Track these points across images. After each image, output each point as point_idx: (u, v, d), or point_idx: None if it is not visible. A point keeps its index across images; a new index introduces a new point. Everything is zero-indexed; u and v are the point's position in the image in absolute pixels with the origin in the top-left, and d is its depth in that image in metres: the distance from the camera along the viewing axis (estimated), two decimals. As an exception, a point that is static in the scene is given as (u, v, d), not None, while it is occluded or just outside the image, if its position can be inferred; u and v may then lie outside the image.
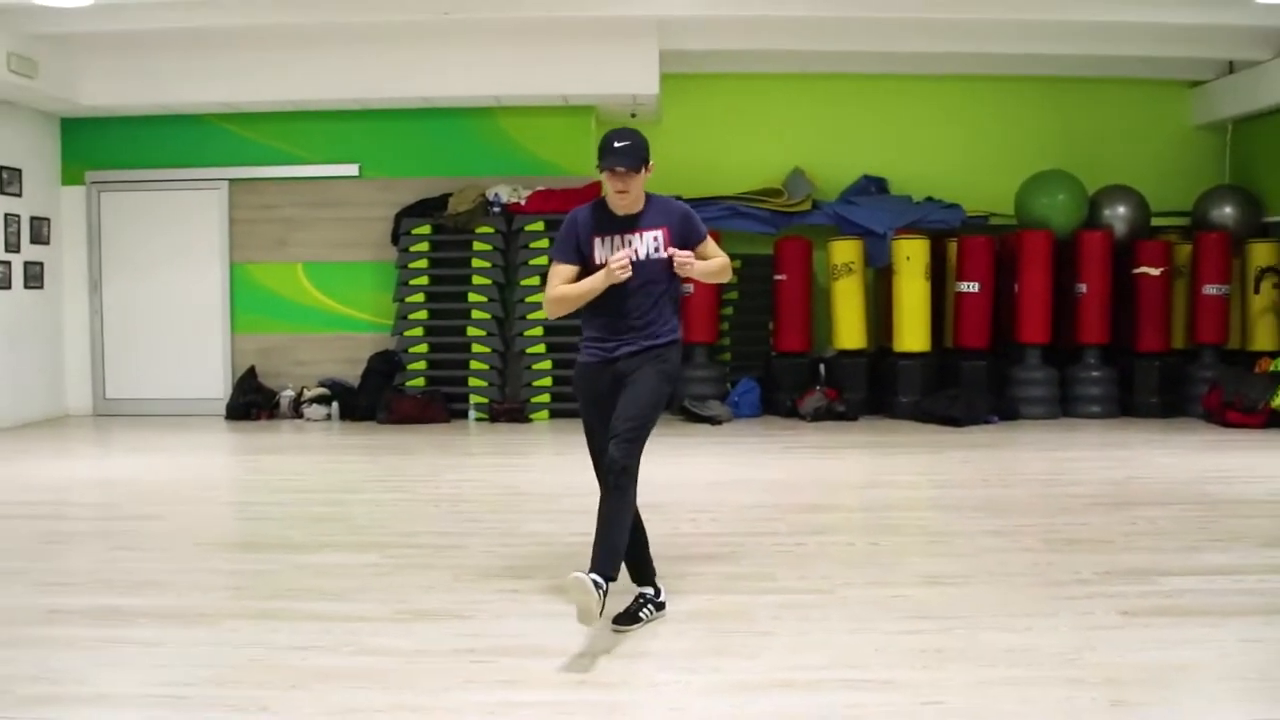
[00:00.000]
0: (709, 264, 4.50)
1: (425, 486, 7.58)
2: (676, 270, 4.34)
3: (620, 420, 4.25)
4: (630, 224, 4.43)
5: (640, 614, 4.44)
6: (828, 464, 8.65)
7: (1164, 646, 4.13)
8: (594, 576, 4.00)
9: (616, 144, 4.30)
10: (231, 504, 7.22)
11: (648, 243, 4.40)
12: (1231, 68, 11.90)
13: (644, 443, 4.32)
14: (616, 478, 4.20)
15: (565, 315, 4.55)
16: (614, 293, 4.35)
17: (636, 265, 4.33)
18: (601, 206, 4.46)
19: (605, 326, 4.45)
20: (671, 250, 4.36)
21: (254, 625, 4.45)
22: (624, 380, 4.37)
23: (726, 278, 4.69)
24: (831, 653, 4.11)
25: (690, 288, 9.97)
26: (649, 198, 4.48)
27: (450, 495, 7.27)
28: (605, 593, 4.02)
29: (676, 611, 4.56)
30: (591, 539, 4.21)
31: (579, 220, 4.48)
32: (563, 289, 4.41)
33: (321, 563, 5.46)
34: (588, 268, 4.42)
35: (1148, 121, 12.52)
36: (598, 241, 4.42)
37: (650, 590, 4.55)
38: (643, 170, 4.34)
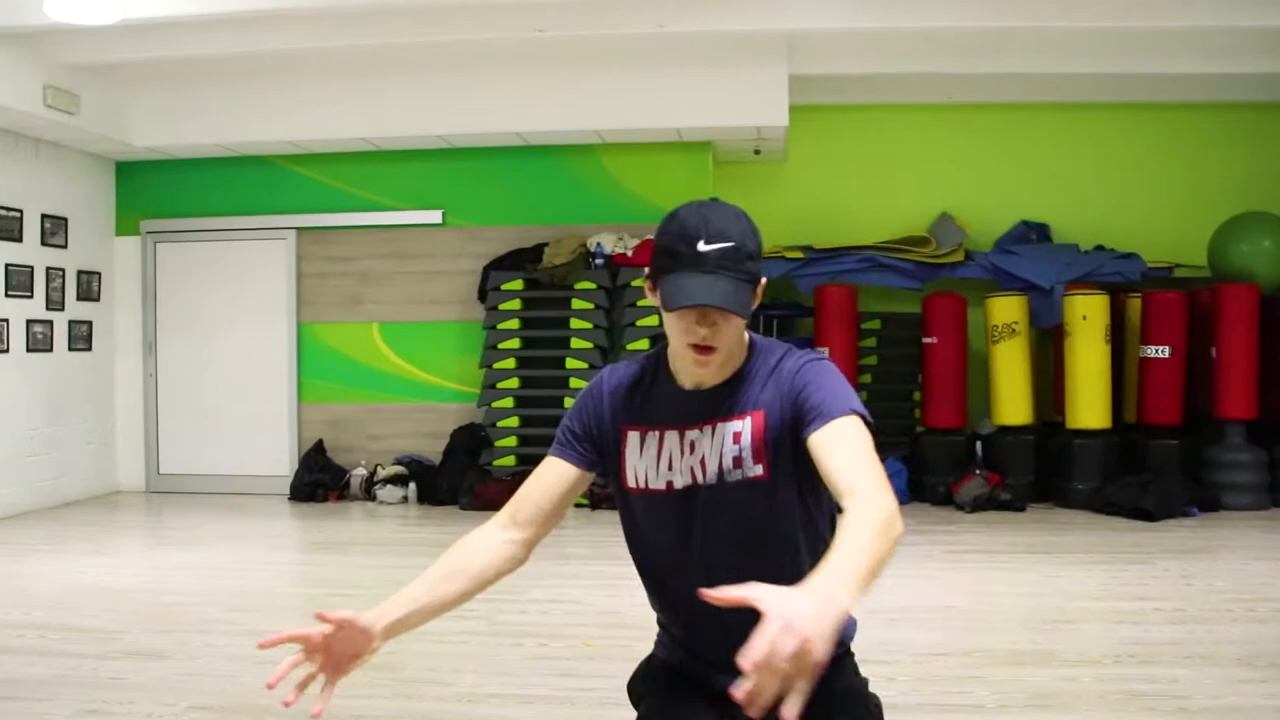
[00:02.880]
0: (851, 562, 1.74)
1: (505, 611, 5.95)
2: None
3: None
4: (695, 410, 2.24)
5: None
6: (1008, 577, 6.89)
7: None
8: None
9: (703, 244, 2.07)
10: (259, 636, 5.67)
11: (721, 449, 2.19)
12: None
13: None
14: None
15: None
16: (679, 580, 2.27)
17: (710, 493, 2.21)
18: (657, 367, 2.32)
19: (690, 634, 2.38)
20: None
21: None
22: None
23: (891, 547, 1.83)
24: None
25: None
26: (751, 351, 2.25)
27: (536, 627, 5.65)
28: None
29: None
30: None
31: (607, 387, 2.36)
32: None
33: (349, 753, 3.90)
34: (601, 478, 2.38)
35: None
36: (632, 437, 2.29)
37: None
38: (751, 300, 2.14)
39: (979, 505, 9.19)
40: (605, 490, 9.33)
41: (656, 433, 2.24)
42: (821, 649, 1.51)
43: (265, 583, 6.97)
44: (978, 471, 9.45)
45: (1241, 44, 9.02)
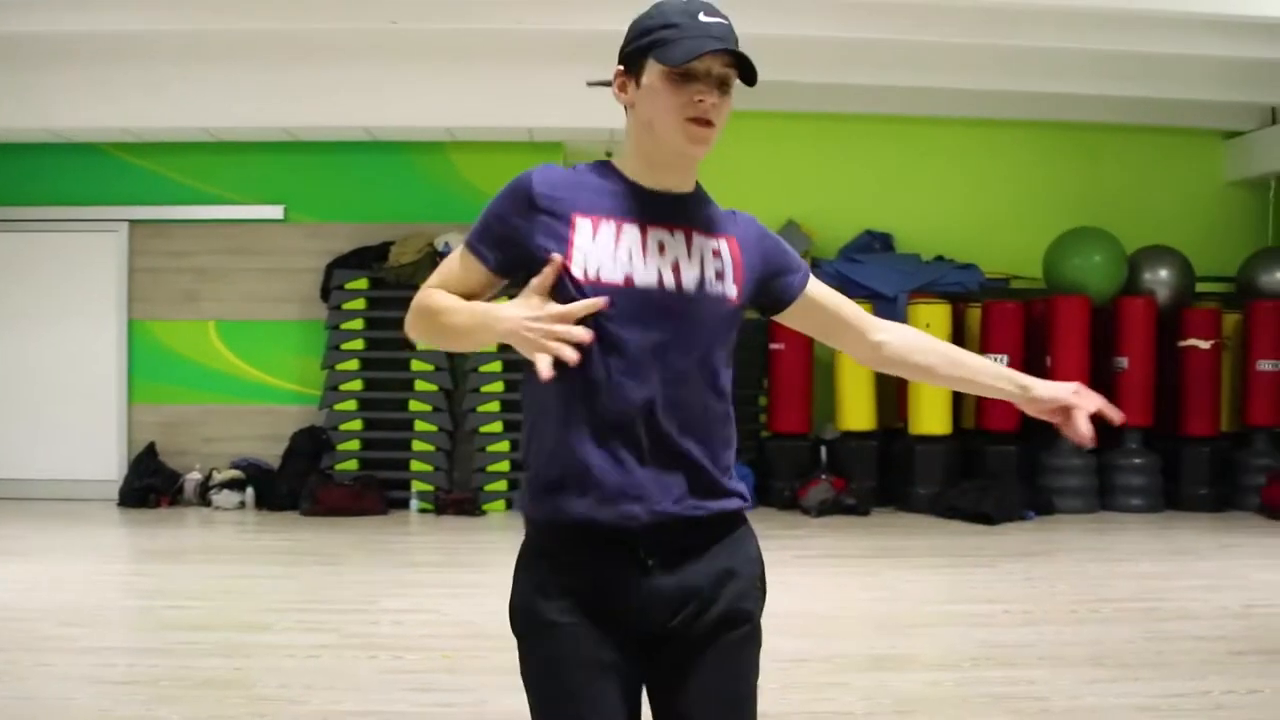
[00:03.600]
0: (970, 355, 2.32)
1: (356, 622, 5.77)
2: None
3: None
4: (674, 211, 2.10)
5: None
6: (859, 581, 6.98)
7: None
8: None
9: (704, 17, 2.01)
10: (93, 653, 5.33)
11: (698, 260, 2.08)
12: (1275, 117, 10.58)
13: None
14: None
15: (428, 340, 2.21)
16: (628, 372, 2.00)
17: (686, 302, 2.05)
18: (605, 170, 2.13)
19: (602, 458, 2.00)
20: None
21: None
22: (664, 621, 2.04)
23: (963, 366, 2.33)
24: None
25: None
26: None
27: (390, 640, 5.47)
28: None
29: None
30: None
31: (539, 181, 2.05)
32: (441, 300, 2.09)
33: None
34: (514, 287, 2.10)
35: (1183, 175, 11.17)
36: (583, 225, 2.03)
37: None
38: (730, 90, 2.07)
39: (824, 510, 9.31)
40: (451, 496, 9.20)
41: (612, 223, 2.03)
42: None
43: (97, 595, 6.59)
44: (823, 476, 9.57)
45: (1082, 65, 9.37)
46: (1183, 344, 9.95)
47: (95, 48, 8.79)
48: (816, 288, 2.28)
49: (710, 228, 2.12)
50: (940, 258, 10.60)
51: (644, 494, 1.99)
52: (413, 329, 2.18)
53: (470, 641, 5.39)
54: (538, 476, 2.06)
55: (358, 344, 9.61)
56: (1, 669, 4.91)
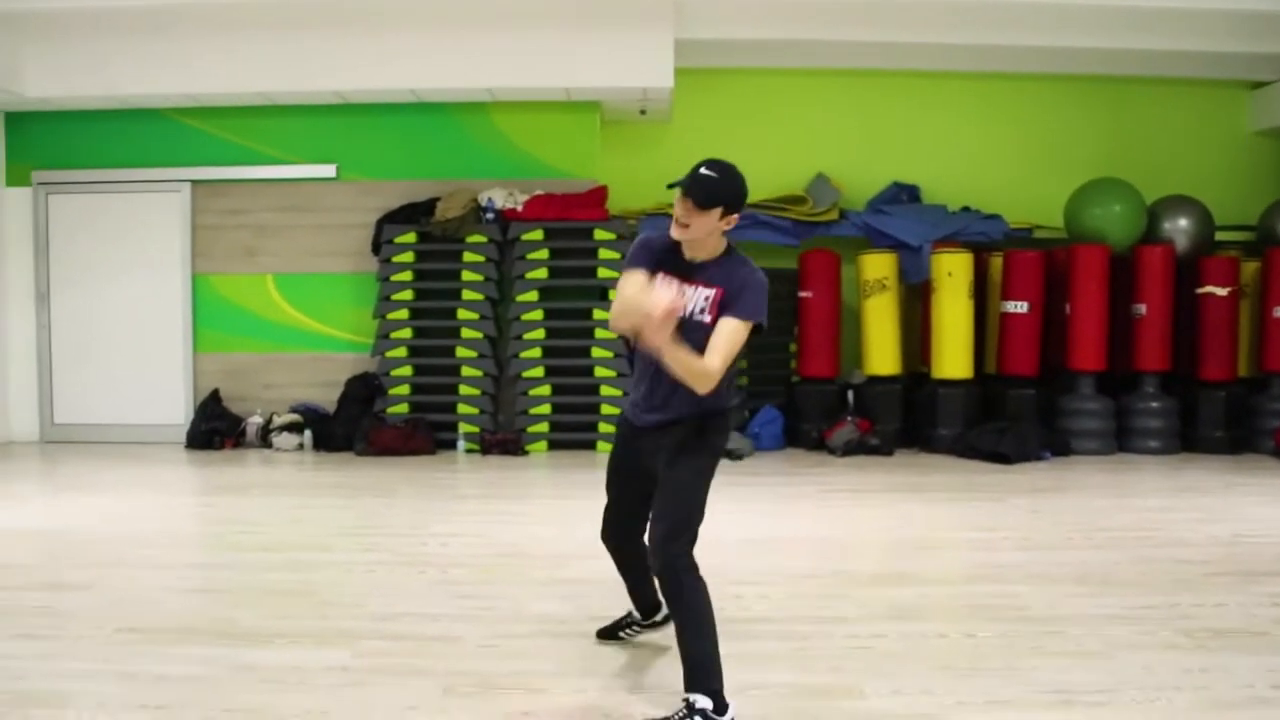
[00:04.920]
0: (680, 352, 3.47)
1: (408, 543, 6.35)
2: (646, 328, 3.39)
3: (659, 520, 3.70)
4: (688, 271, 3.72)
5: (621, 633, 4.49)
6: (876, 513, 7.45)
7: None
8: (693, 699, 3.52)
9: (701, 170, 3.64)
10: (175, 567, 5.95)
11: (697, 300, 3.68)
12: (1297, 66, 10.83)
13: (695, 536, 3.71)
14: (667, 587, 3.64)
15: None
16: (649, 355, 3.64)
17: (686, 322, 3.61)
18: (677, 244, 3.75)
19: (639, 386, 3.91)
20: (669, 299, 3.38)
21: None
22: (650, 459, 3.86)
23: (692, 383, 3.57)
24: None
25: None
26: (728, 254, 3.75)
27: (438, 557, 6.03)
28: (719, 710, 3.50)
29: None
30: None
31: (652, 242, 3.82)
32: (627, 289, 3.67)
33: (272, 663, 4.25)
34: None
35: (1205, 125, 11.43)
36: (660, 276, 3.64)
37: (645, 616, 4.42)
38: (712, 212, 3.60)
39: (849, 450, 9.78)
40: (495, 437, 9.74)
41: (672, 278, 3.63)
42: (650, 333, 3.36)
43: (172, 522, 7.21)
44: (849, 418, 10.02)
45: (1108, 19, 9.75)
46: (1200, 291, 10.25)
47: (159, 21, 9.39)
48: (720, 323, 3.61)
49: (709, 280, 3.68)
50: (966, 208, 10.96)
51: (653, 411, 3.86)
52: (616, 320, 3.65)
53: (510, 560, 5.95)
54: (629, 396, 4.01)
55: (407, 294, 10.13)
56: (93, 579, 5.53)
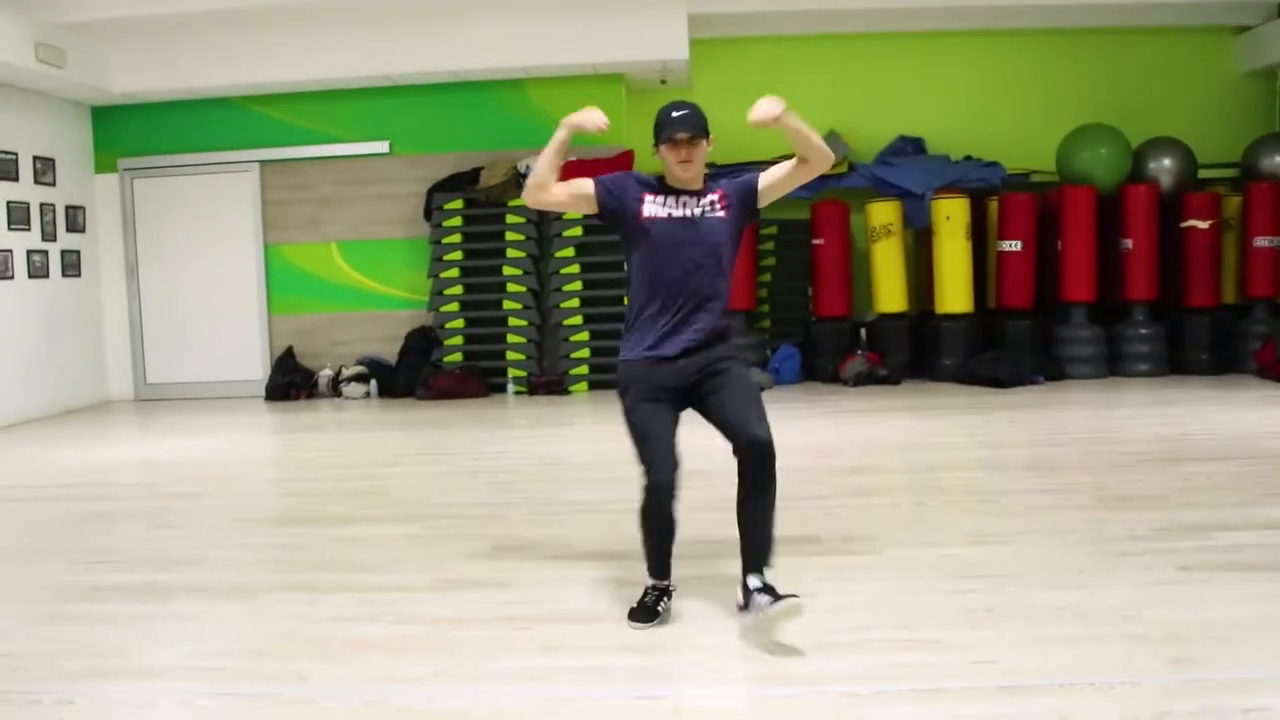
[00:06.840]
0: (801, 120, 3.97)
1: (464, 459, 7.52)
2: (759, 118, 3.89)
3: (747, 411, 3.92)
4: (687, 196, 4.08)
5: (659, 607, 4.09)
6: (871, 428, 8.51)
7: (1225, 602, 3.99)
8: (765, 582, 3.87)
9: (675, 113, 3.99)
10: (271, 481, 7.19)
11: (706, 206, 4.05)
12: (1280, 10, 11.61)
13: None
14: (771, 467, 3.96)
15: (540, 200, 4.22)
16: (671, 268, 3.97)
17: (694, 224, 3.99)
18: (661, 179, 4.10)
19: (658, 317, 4.02)
20: (759, 109, 3.89)
21: (292, 598, 4.39)
22: (681, 380, 4.00)
23: (822, 151, 4.06)
24: (878, 614, 4.01)
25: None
26: (708, 177, 4.14)
27: (490, 467, 7.20)
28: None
29: (716, 575, 4.46)
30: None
31: (634, 176, 4.15)
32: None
33: (360, 535, 5.41)
34: (622, 220, 4.08)
35: (1192, 71, 12.22)
36: (649, 198, 4.04)
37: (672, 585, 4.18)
38: (705, 141, 4.00)
39: (860, 380, 10.79)
40: (541, 379, 10.85)
41: (662, 196, 4.06)
42: (774, 112, 3.91)
43: (262, 452, 8.44)
44: (860, 352, 11.03)
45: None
46: (1184, 225, 11.11)
47: (225, 21, 10.55)
48: (765, 177, 4.12)
49: (706, 193, 4.07)
50: (968, 158, 11.86)
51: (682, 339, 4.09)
52: (530, 193, 4.19)
53: (552, 466, 7.12)
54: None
55: (457, 255, 11.24)
56: (206, 490, 6.73)
